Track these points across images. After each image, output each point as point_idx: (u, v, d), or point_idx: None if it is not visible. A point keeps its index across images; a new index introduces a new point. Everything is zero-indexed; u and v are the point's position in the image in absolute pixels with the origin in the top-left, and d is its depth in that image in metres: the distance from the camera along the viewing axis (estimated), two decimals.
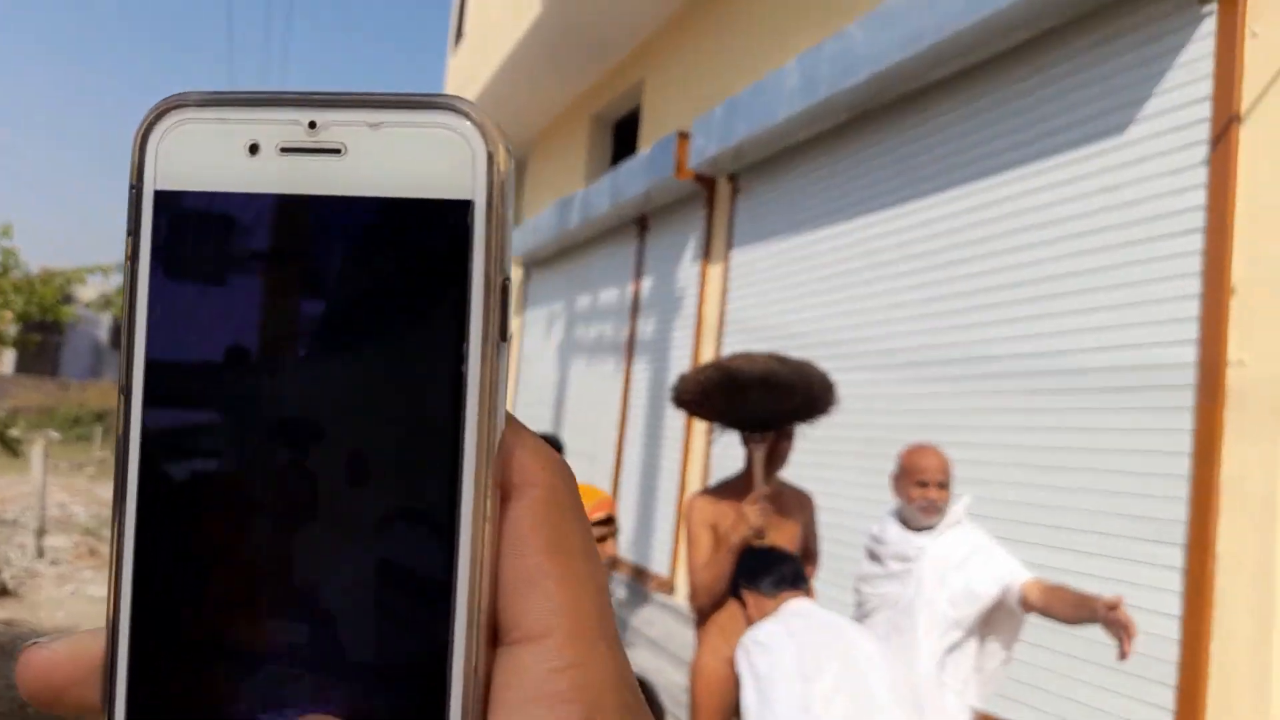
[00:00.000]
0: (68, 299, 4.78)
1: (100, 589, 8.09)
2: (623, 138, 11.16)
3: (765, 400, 3.16)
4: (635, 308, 9.05)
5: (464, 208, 0.27)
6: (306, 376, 0.27)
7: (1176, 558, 3.52)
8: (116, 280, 5.14)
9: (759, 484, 3.20)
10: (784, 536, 3.23)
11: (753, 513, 3.09)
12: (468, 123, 0.27)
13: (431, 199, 0.27)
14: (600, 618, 0.27)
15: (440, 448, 0.26)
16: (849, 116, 5.92)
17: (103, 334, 44.88)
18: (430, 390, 0.26)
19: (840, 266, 5.93)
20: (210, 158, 0.28)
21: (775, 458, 3.32)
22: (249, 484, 0.27)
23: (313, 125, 0.28)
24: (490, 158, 0.27)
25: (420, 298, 0.27)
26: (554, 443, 3.51)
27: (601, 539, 2.35)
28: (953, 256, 4.93)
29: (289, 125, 0.28)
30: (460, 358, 0.26)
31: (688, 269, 8.09)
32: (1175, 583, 3.51)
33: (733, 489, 3.34)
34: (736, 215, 7.36)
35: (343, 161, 0.27)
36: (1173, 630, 3.49)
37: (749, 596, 2.65)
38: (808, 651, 2.27)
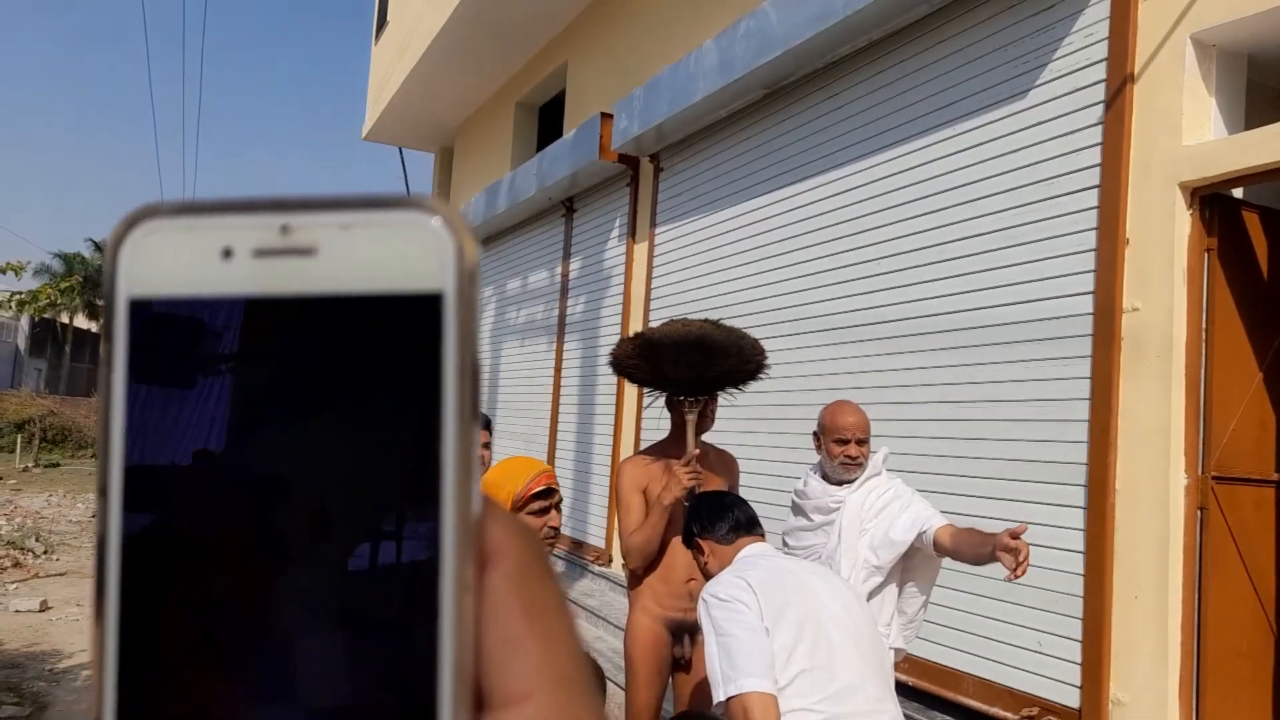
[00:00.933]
0: None
1: (26, 602, 7.84)
2: (548, 122, 11.12)
3: (699, 363, 3.21)
4: (564, 288, 9.06)
5: (435, 299, 0.27)
6: (289, 469, 0.27)
7: (1079, 496, 3.69)
8: (29, 281, 5.00)
9: (691, 446, 3.24)
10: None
11: (685, 474, 3.14)
12: (435, 218, 0.28)
13: (404, 292, 0.27)
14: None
15: (423, 528, 0.27)
16: (765, 93, 6.01)
17: (21, 341, 43.15)
18: (411, 475, 0.27)
19: (759, 239, 6.04)
20: (184, 263, 0.28)
21: (704, 420, 3.38)
22: (234, 576, 0.27)
23: (285, 229, 0.28)
24: (459, 250, 0.27)
25: (398, 385, 0.27)
26: (483, 420, 3.51)
27: (544, 510, 2.34)
28: (865, 224, 5.06)
29: (262, 229, 0.28)
30: (438, 440, 0.27)
31: (614, 248, 8.14)
32: (1078, 520, 3.69)
33: (661, 452, 3.38)
34: (659, 194, 7.43)
35: (316, 261, 0.28)
36: (1078, 565, 3.67)
37: (705, 544, 2.57)
38: (767, 601, 2.22)
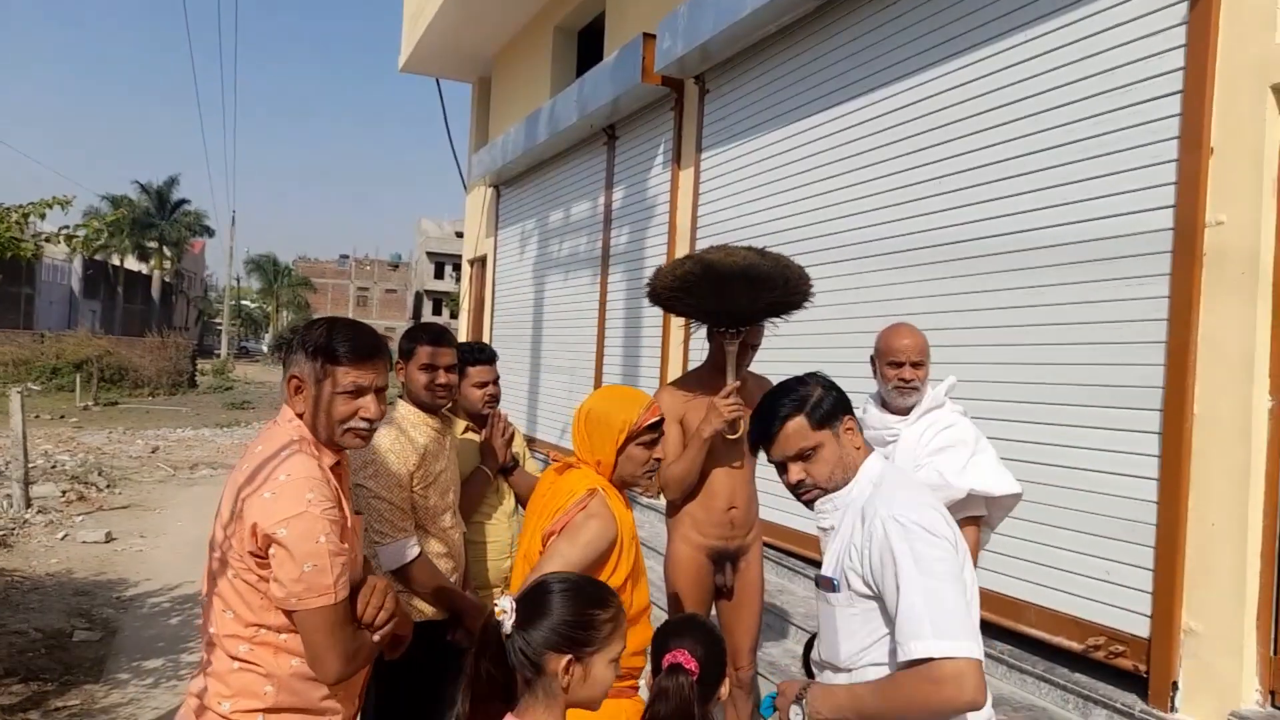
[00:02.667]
0: (28, 238, 4.59)
1: (91, 533, 8.09)
2: (588, 46, 10.83)
3: (744, 293, 3.05)
4: (608, 219, 8.91)
5: None
6: None
7: (1154, 422, 3.54)
8: (76, 213, 4.99)
9: (731, 377, 3.13)
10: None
11: (725, 406, 3.03)
12: None
13: None
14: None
15: None
16: (816, 5, 5.73)
17: (75, 284, 44.17)
18: None
19: (810, 161, 5.82)
20: None
21: (745, 352, 3.27)
22: None
23: None
24: None
25: None
26: (486, 351, 3.35)
27: (653, 443, 2.24)
28: (924, 141, 4.83)
29: None
30: None
31: (659, 175, 7.95)
32: (1153, 446, 3.53)
33: (699, 381, 3.26)
34: (705, 117, 7.19)
35: None
36: (1151, 492, 3.53)
37: (849, 423, 1.93)
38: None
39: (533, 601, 1.53)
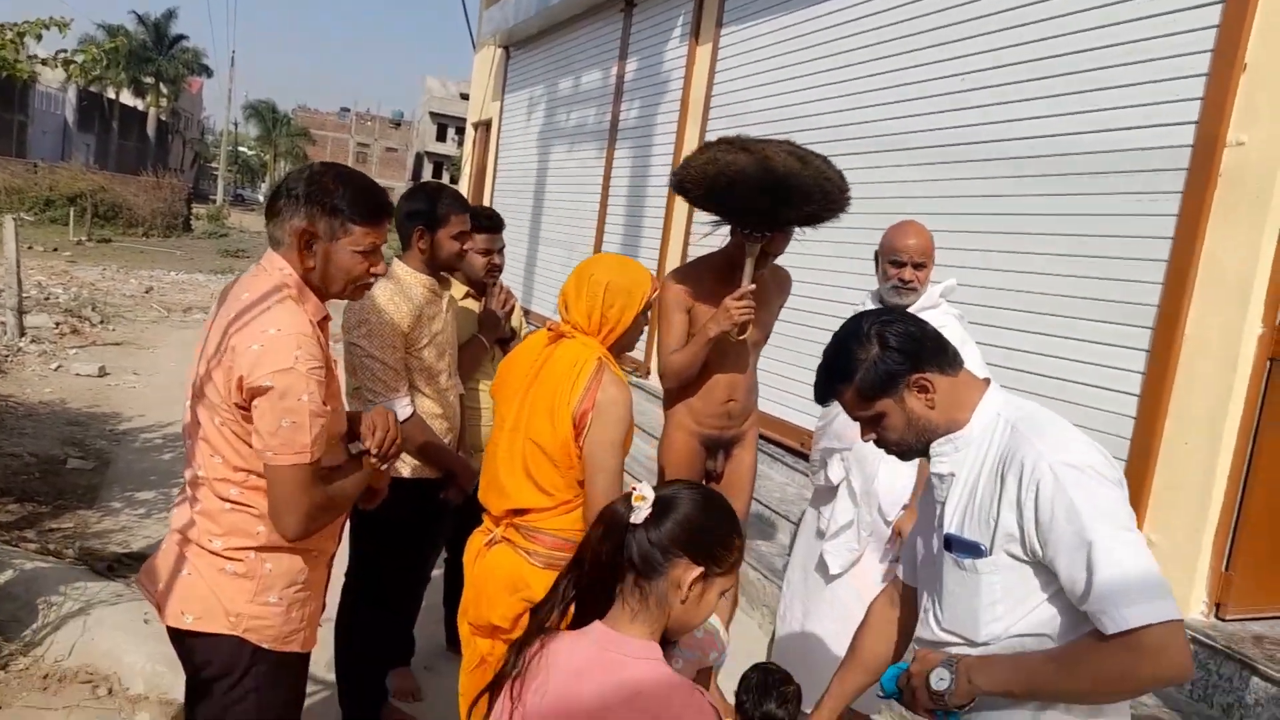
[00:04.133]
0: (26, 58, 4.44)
1: (85, 366, 8.16)
2: None
3: (778, 203, 2.85)
4: (619, 91, 8.67)
5: None
6: None
7: (1144, 339, 3.57)
8: (72, 39, 4.80)
9: (747, 280, 2.97)
10: (761, 322, 3.12)
11: (736, 309, 2.91)
12: None
13: None
14: None
15: None
16: None
17: (69, 114, 43.07)
18: None
19: (833, 46, 5.63)
20: None
21: (766, 257, 3.09)
22: None
23: None
24: None
25: None
26: (493, 218, 3.32)
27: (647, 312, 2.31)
28: (953, 35, 4.67)
29: None
30: None
31: (675, 49, 7.69)
32: (1139, 363, 3.58)
33: (711, 270, 3.12)
34: None
35: None
36: (1130, 407, 3.59)
37: (934, 378, 1.62)
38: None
39: (674, 504, 1.40)
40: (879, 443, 1.70)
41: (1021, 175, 4.20)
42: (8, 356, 8.28)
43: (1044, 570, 1.50)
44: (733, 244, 3.09)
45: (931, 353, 1.63)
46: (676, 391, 3.20)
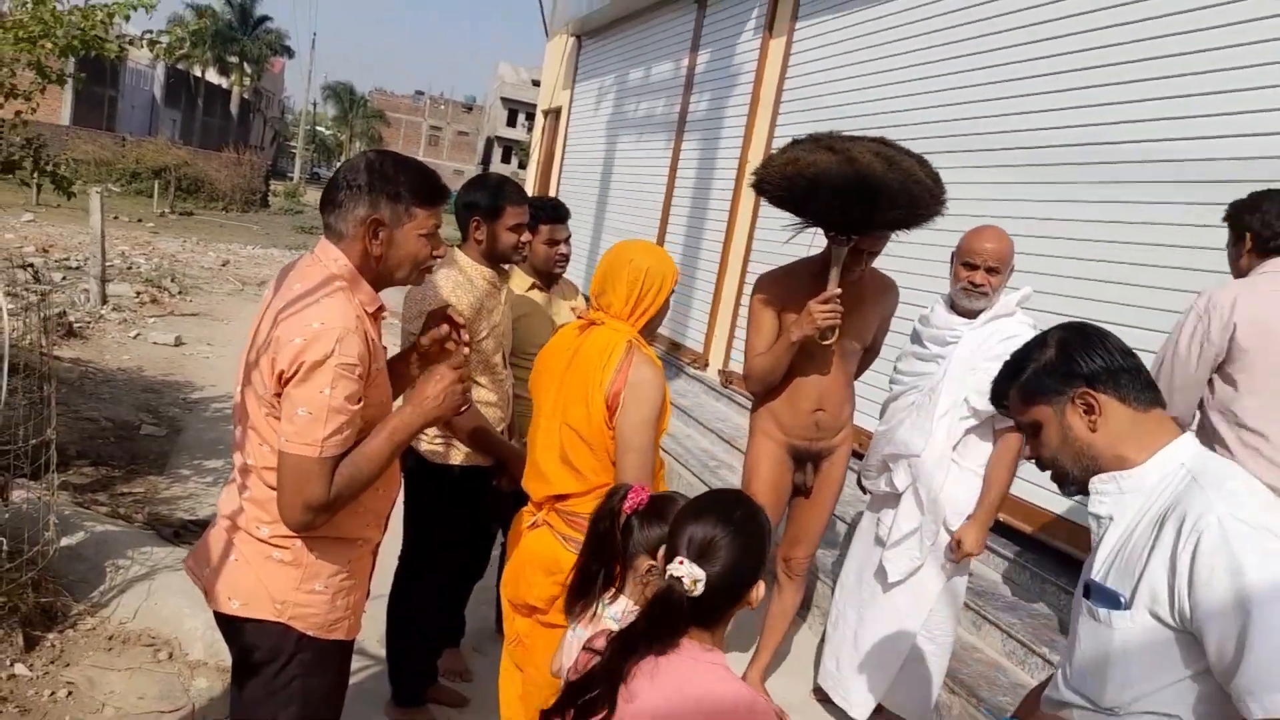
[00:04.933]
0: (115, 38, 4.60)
1: (162, 335, 8.44)
2: None
3: (860, 206, 2.73)
4: (689, 83, 8.62)
5: None
6: None
7: None
8: (161, 19, 4.95)
9: (833, 284, 2.89)
10: (855, 329, 3.04)
11: (820, 313, 2.82)
12: None
13: None
14: None
15: None
16: None
17: (157, 91, 44.52)
18: None
19: (911, 44, 5.51)
20: None
21: (856, 258, 2.99)
22: None
23: None
24: None
25: None
26: (560, 209, 3.32)
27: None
28: (1041, 34, 4.51)
29: None
30: None
31: (748, 42, 7.62)
32: None
33: (809, 274, 3.02)
34: None
35: None
36: None
37: (1101, 399, 1.47)
38: None
39: (714, 551, 1.47)
40: (1035, 460, 1.58)
41: (1113, 181, 4.04)
42: (90, 323, 8.61)
43: (1191, 642, 1.31)
44: (827, 244, 2.99)
45: (1114, 375, 1.45)
46: (762, 397, 3.13)
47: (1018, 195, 4.52)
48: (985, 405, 2.80)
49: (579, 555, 1.81)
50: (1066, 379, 1.47)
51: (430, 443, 2.83)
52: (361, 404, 1.75)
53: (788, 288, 3.03)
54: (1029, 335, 2.95)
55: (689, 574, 1.42)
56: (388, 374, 1.94)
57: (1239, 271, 2.89)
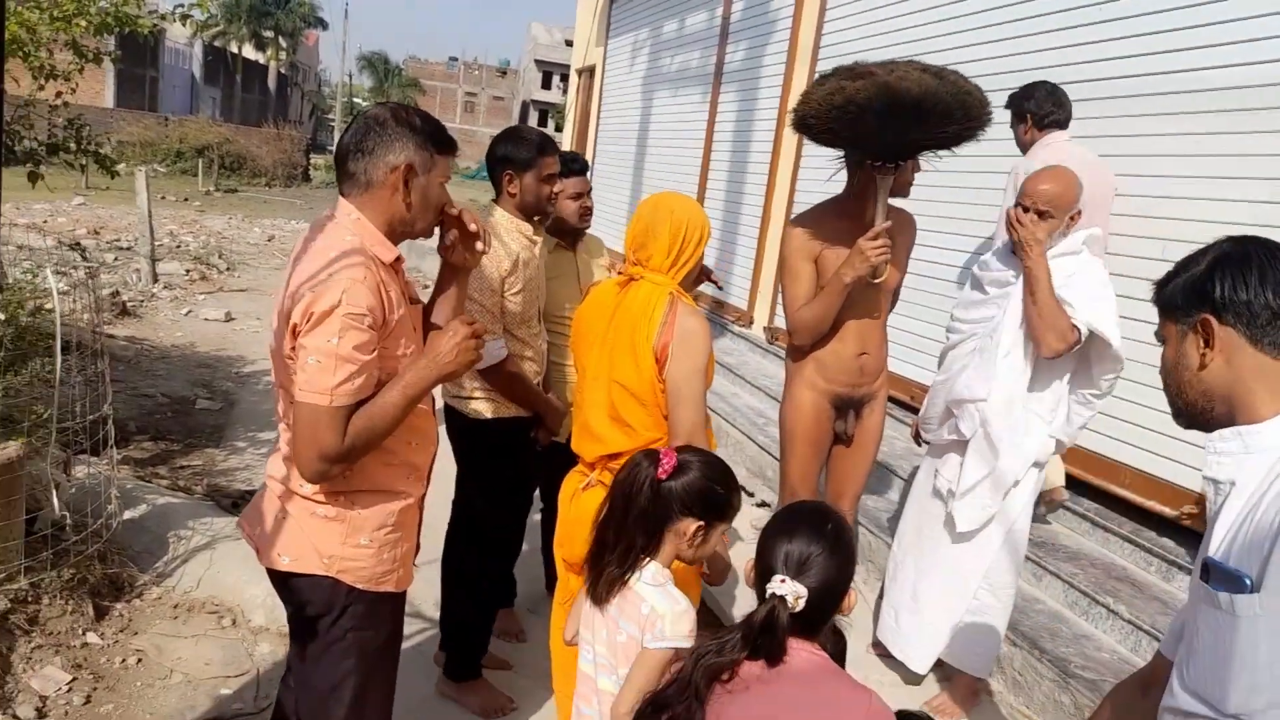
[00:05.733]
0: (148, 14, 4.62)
1: (212, 311, 8.59)
2: None
3: (915, 127, 2.59)
4: (724, 33, 8.43)
5: None
6: None
7: None
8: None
9: (880, 218, 2.77)
10: (897, 262, 2.93)
11: (872, 250, 2.71)
12: None
13: None
14: None
15: None
16: None
17: (196, 70, 45.02)
18: None
19: None
20: None
21: (900, 188, 2.92)
22: None
23: None
24: None
25: None
26: (579, 161, 3.26)
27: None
28: None
29: None
30: None
31: None
32: None
33: (837, 213, 2.92)
34: None
35: None
36: None
37: (1226, 331, 1.28)
38: None
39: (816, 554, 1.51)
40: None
41: (1191, 112, 3.85)
42: (142, 302, 8.79)
43: None
44: (860, 180, 2.88)
45: (1253, 311, 1.23)
46: (808, 349, 2.99)
47: (1093, 131, 4.33)
48: (1088, 336, 2.70)
49: (599, 526, 1.80)
50: (1197, 299, 1.28)
51: (472, 397, 2.83)
52: (375, 354, 1.75)
53: (819, 230, 2.91)
54: (1092, 273, 2.84)
55: (792, 592, 1.46)
56: (420, 322, 1.95)
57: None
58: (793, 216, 3.03)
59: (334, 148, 2.12)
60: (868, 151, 2.76)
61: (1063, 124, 3.83)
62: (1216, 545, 1.20)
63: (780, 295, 3.01)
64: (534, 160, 2.75)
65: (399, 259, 1.88)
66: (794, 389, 3.05)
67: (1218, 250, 1.30)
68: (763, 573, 1.52)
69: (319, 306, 1.68)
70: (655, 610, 1.70)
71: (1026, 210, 2.77)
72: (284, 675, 2.15)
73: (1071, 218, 2.79)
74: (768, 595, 1.48)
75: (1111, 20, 4.18)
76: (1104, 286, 2.78)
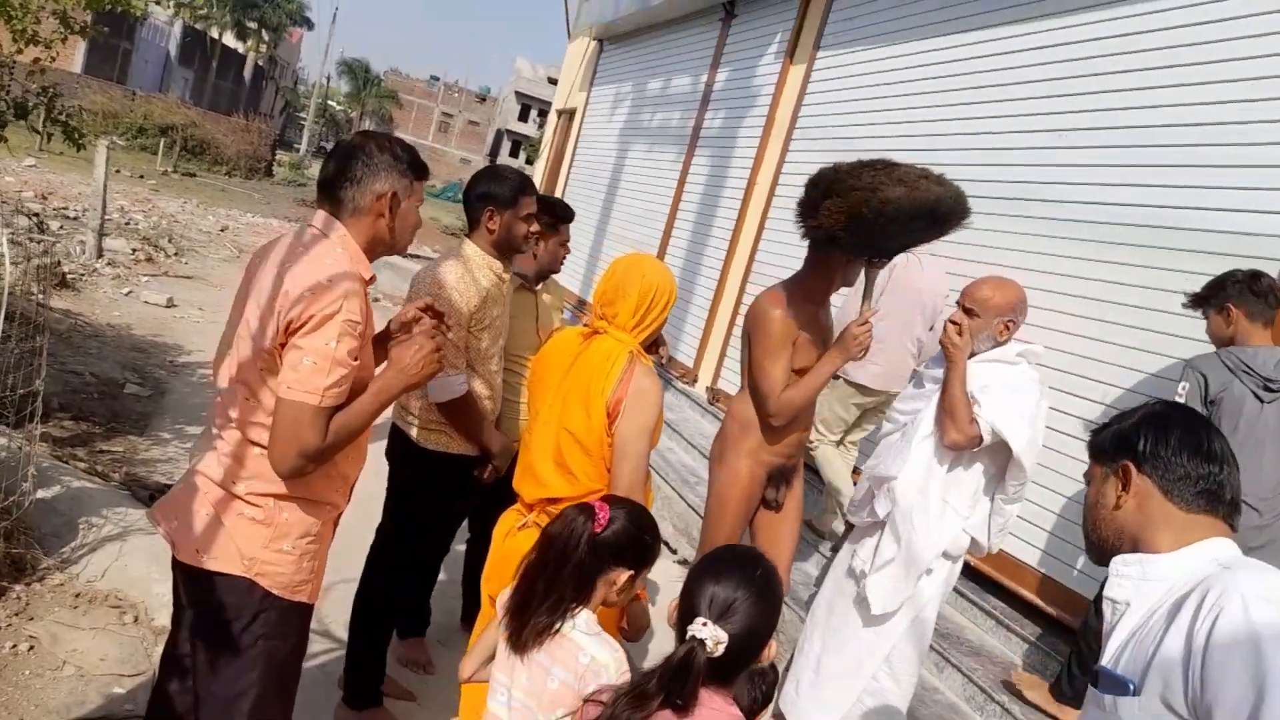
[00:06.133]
0: None
1: (155, 295, 8.40)
2: None
3: (925, 229, 2.74)
4: (705, 100, 8.66)
5: None
6: None
7: None
8: None
9: (869, 304, 2.92)
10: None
11: (864, 335, 2.85)
12: None
13: None
14: None
15: None
16: None
17: (172, 48, 44.30)
18: None
19: (930, 85, 5.56)
20: None
21: (875, 272, 2.98)
22: None
23: None
24: None
25: None
26: (567, 207, 3.37)
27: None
28: (1059, 89, 4.55)
29: None
30: None
31: (768, 65, 7.66)
32: None
33: (804, 298, 2.97)
34: (831, 12, 6.85)
35: None
36: None
37: (1144, 481, 1.42)
38: None
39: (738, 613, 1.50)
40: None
41: (1113, 243, 4.08)
42: (83, 276, 8.55)
43: None
44: (829, 266, 2.96)
45: (1168, 466, 1.39)
46: (780, 425, 3.01)
47: (1018, 245, 4.56)
48: (991, 438, 2.82)
49: (527, 574, 1.79)
50: (1123, 448, 1.45)
51: (424, 427, 2.85)
52: (358, 362, 1.83)
53: (798, 315, 2.97)
54: (1016, 383, 2.97)
55: (712, 636, 1.44)
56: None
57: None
58: (765, 294, 2.99)
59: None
60: (873, 251, 2.85)
61: None
62: (1109, 657, 1.35)
63: (745, 366, 3.02)
64: (515, 199, 2.83)
65: (373, 278, 1.96)
66: (733, 458, 3.10)
67: (1148, 409, 1.49)
68: (685, 613, 1.50)
69: (321, 310, 1.75)
70: (596, 660, 1.72)
71: (965, 310, 2.95)
72: (162, 677, 2.08)
73: (1007, 325, 2.94)
74: (687, 637, 1.46)
75: (1067, 148, 4.43)
76: (1018, 394, 2.87)
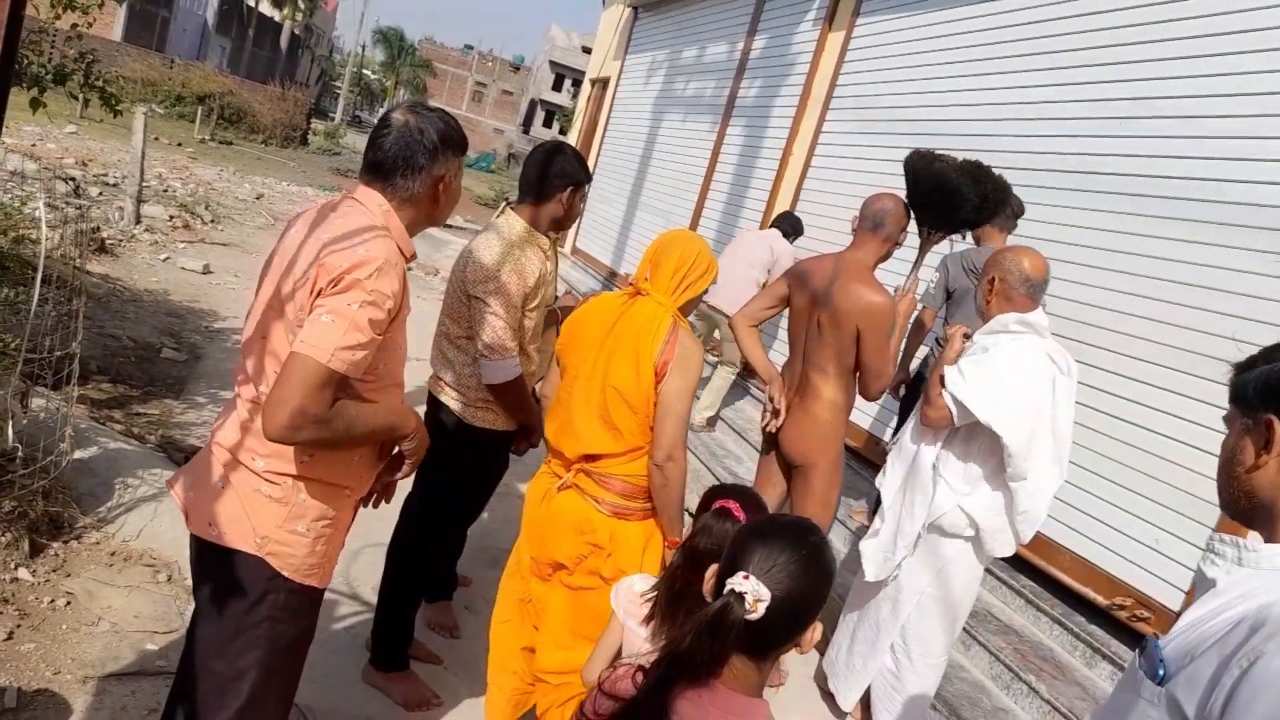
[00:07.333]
0: None
1: (192, 261, 8.49)
2: None
3: (983, 210, 3.24)
4: (741, 67, 8.54)
5: None
6: None
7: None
8: None
9: (918, 273, 3.37)
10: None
11: (909, 303, 3.29)
12: None
13: None
14: None
15: None
16: None
17: (209, 16, 44.58)
18: None
19: (970, 53, 5.42)
20: None
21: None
22: None
23: None
24: None
25: None
26: (580, 168, 3.28)
27: None
28: (1109, 57, 4.42)
29: None
30: None
31: (806, 32, 7.53)
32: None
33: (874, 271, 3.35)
34: None
35: None
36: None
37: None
38: None
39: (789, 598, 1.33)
40: None
41: (1150, 215, 3.98)
42: (121, 241, 8.67)
43: None
44: (893, 242, 3.19)
45: None
46: (848, 403, 3.24)
47: (1052, 218, 4.45)
48: (959, 411, 2.77)
49: (671, 572, 1.81)
50: (1268, 397, 1.17)
51: (472, 405, 2.84)
52: (379, 337, 1.74)
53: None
54: (1004, 354, 2.86)
55: (753, 591, 1.27)
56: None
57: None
58: (858, 280, 3.08)
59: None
60: (950, 223, 3.23)
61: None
62: (1173, 632, 1.20)
63: (834, 352, 3.15)
64: (584, 183, 2.91)
65: (413, 255, 1.91)
66: (835, 445, 3.23)
67: None
68: (727, 569, 1.32)
69: (351, 274, 1.68)
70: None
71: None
72: (184, 656, 2.01)
73: (990, 284, 2.93)
74: (725, 591, 1.29)
75: (1107, 118, 4.30)
76: (1003, 367, 2.78)
